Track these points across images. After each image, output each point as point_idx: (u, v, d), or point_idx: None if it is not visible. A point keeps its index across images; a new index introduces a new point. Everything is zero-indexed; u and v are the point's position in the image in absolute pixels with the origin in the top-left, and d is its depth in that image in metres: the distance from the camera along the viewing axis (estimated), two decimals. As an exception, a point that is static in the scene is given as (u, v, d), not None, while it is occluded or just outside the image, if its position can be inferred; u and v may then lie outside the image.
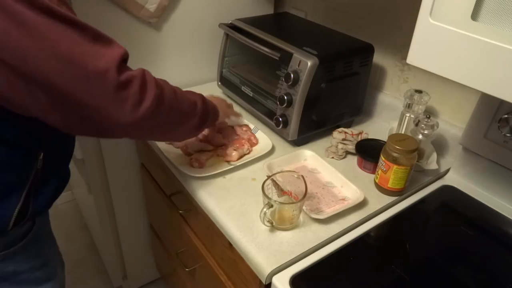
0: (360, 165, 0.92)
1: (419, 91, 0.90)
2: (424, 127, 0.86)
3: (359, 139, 0.97)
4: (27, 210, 0.67)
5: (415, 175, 0.89)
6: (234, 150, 0.90)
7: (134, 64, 1.18)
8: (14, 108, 0.57)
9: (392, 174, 0.79)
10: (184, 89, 0.76)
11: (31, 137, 0.64)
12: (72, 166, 1.11)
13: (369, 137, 0.98)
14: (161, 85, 0.64)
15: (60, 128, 0.60)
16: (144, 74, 0.60)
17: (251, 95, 1.06)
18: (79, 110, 0.56)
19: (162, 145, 0.94)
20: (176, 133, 0.75)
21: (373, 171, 0.88)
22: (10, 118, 0.59)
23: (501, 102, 0.78)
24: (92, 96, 0.54)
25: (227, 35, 1.11)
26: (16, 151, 0.63)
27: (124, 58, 0.58)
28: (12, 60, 0.50)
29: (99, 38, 0.55)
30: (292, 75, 0.87)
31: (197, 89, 0.83)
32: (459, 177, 0.89)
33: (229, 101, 1.04)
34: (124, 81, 0.56)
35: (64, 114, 0.57)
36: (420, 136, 0.87)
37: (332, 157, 0.94)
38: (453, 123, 0.97)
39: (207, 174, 0.85)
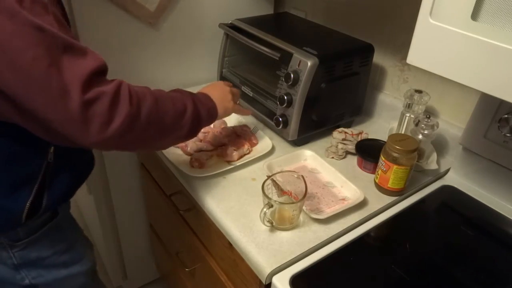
0: (360, 165, 0.92)
1: (419, 91, 0.90)
2: (424, 127, 0.86)
3: (359, 139, 0.97)
4: (41, 203, 0.67)
5: (415, 175, 0.89)
6: (234, 150, 0.90)
7: (133, 64, 1.17)
8: None
9: (392, 174, 0.79)
10: (184, 89, 0.74)
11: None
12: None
13: (369, 137, 0.98)
14: (137, 100, 0.58)
15: (39, 136, 0.59)
16: (117, 89, 0.56)
17: (251, 95, 1.06)
18: (47, 124, 0.54)
19: (162, 145, 0.93)
20: (159, 145, 0.70)
21: (373, 171, 0.88)
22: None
23: (501, 102, 0.78)
24: (56, 113, 0.51)
25: (227, 35, 1.11)
26: (23, 146, 0.63)
27: (98, 71, 0.54)
28: None
29: (70, 48, 0.52)
30: (292, 75, 0.87)
31: (197, 89, 0.82)
32: (459, 177, 0.89)
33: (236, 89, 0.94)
34: (90, 99, 0.52)
35: (34, 125, 0.57)
36: (420, 136, 0.87)
37: (332, 157, 0.94)
38: (453, 123, 0.97)
39: (207, 174, 0.85)
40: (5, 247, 0.69)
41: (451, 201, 0.86)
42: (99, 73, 0.55)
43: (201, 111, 0.72)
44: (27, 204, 0.65)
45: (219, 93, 0.82)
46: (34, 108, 0.52)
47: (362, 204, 0.80)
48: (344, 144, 0.95)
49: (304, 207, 0.76)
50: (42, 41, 0.49)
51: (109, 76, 0.59)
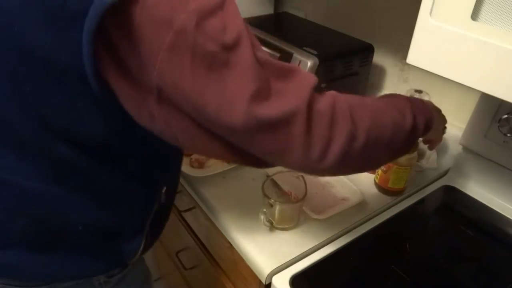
0: (360, 165, 0.92)
1: (419, 91, 0.90)
2: None
3: (359, 139, 0.97)
4: (147, 244, 0.66)
5: (415, 175, 0.89)
6: (234, 150, 0.90)
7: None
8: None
9: (392, 174, 0.79)
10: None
11: (154, 170, 0.62)
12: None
13: (369, 137, 0.98)
14: (353, 115, 0.51)
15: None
16: (334, 103, 0.50)
17: (251, 95, 1.05)
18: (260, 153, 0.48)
19: (162, 145, 0.93)
20: (375, 163, 0.61)
21: (373, 171, 0.88)
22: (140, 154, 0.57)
23: (501, 102, 0.78)
24: (294, 155, 0.46)
25: (227, 35, 1.11)
26: (144, 185, 0.61)
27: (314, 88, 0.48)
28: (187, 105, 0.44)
29: (282, 72, 0.47)
30: (292, 75, 0.87)
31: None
32: (459, 177, 0.89)
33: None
34: (312, 121, 0.46)
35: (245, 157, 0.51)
36: None
37: (332, 157, 0.94)
38: (453, 123, 0.97)
39: (207, 174, 0.85)
40: (100, 284, 0.65)
41: (451, 201, 0.86)
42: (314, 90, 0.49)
43: (419, 120, 0.59)
44: (141, 247, 0.64)
45: (435, 108, 0.72)
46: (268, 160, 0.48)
47: (362, 204, 0.80)
48: (344, 144, 0.95)
49: (304, 207, 0.76)
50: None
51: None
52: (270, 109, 0.43)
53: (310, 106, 0.46)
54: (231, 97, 0.42)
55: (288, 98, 0.45)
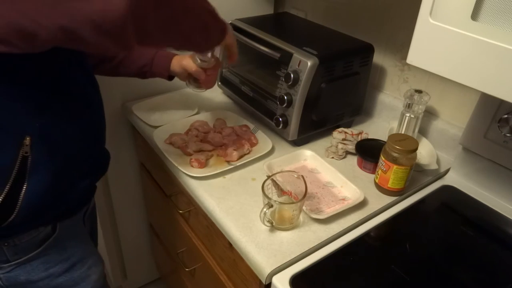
0: (360, 165, 0.92)
1: (419, 91, 0.90)
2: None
3: (359, 139, 0.97)
4: (15, 204, 0.59)
5: (415, 175, 0.89)
6: (234, 150, 0.90)
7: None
8: None
9: (392, 174, 0.79)
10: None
11: (12, 117, 0.56)
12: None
13: (369, 137, 0.98)
14: None
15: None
16: None
17: (251, 95, 1.06)
18: None
19: (162, 145, 0.94)
20: (174, 30, 0.57)
21: (373, 171, 0.88)
22: None
23: (501, 102, 0.78)
24: None
25: (227, 35, 1.11)
26: None
27: None
28: None
29: None
30: (292, 75, 0.87)
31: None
32: (459, 177, 0.89)
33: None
34: None
35: None
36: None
37: (332, 157, 0.94)
38: (453, 123, 0.97)
39: (207, 174, 0.85)
40: None
41: (451, 201, 0.86)
42: None
43: (215, 12, 0.65)
44: None
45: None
46: None
47: (362, 204, 0.80)
48: (344, 144, 0.95)
49: (304, 207, 0.76)
50: None
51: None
52: None
53: None
54: None
55: None
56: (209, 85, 0.93)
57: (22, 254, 0.65)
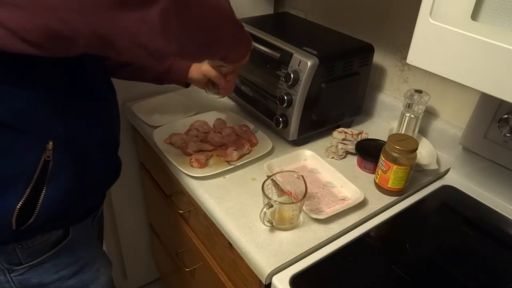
0: (360, 165, 0.92)
1: (419, 91, 0.90)
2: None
3: (359, 139, 0.97)
4: (35, 208, 0.59)
5: (415, 175, 0.89)
6: (234, 150, 0.90)
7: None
8: None
9: (392, 174, 0.79)
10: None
11: (35, 120, 0.56)
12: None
13: (369, 137, 0.98)
14: None
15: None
16: None
17: (251, 95, 1.06)
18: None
19: (162, 145, 0.94)
20: (211, 37, 0.59)
21: (373, 171, 0.88)
22: (13, 95, 0.52)
23: (501, 102, 0.78)
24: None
25: (227, 35, 1.11)
26: (12, 136, 0.55)
27: None
28: None
29: None
30: (292, 75, 0.87)
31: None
32: (459, 177, 0.89)
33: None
34: None
35: None
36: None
37: (332, 157, 0.94)
38: (453, 123, 0.97)
39: (207, 174, 0.85)
40: (3, 271, 0.64)
41: (451, 201, 0.86)
42: None
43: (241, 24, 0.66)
44: (18, 206, 0.57)
45: None
46: None
47: (362, 204, 0.80)
48: (344, 144, 0.95)
49: (304, 207, 0.76)
50: None
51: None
52: None
53: None
54: None
55: None
56: (228, 91, 0.91)
57: (35, 256, 0.65)
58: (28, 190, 0.58)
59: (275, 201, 0.70)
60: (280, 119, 0.93)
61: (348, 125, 1.06)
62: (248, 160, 0.90)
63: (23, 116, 0.55)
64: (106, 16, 0.44)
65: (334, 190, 0.84)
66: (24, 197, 0.58)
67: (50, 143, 0.58)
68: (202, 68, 0.90)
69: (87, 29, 0.44)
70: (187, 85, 0.97)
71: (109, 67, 0.78)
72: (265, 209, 0.70)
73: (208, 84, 0.91)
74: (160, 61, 0.53)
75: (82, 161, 0.64)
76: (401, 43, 1.02)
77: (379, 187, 0.84)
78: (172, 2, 0.47)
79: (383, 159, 0.80)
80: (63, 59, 0.55)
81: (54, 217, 0.63)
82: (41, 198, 0.59)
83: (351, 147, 0.94)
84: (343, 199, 0.81)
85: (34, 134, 0.56)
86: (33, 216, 0.60)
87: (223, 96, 0.95)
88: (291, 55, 0.89)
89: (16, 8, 0.41)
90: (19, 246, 0.63)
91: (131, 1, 0.44)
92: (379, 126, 1.09)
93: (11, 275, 0.64)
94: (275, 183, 0.76)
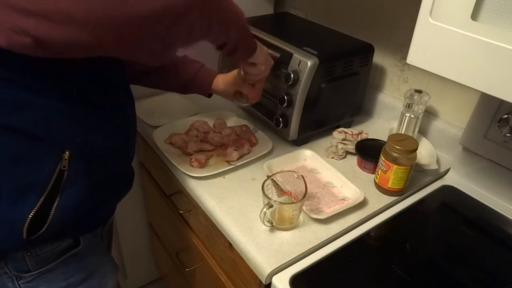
0: (360, 165, 0.92)
1: (419, 91, 0.90)
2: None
3: (359, 139, 0.97)
4: (47, 217, 0.59)
5: (415, 175, 0.89)
6: (234, 150, 0.90)
7: (134, 64, 1.13)
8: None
9: (392, 174, 0.79)
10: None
11: (53, 129, 0.55)
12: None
13: (369, 137, 0.98)
14: None
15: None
16: None
17: (251, 95, 1.06)
18: None
19: (162, 145, 0.94)
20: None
21: (373, 171, 0.88)
22: (32, 103, 0.52)
23: (501, 102, 0.78)
24: None
25: (227, 35, 1.11)
26: (29, 144, 0.54)
27: None
28: None
29: None
30: (292, 75, 0.87)
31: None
32: (459, 177, 0.89)
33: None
34: None
35: None
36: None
37: (332, 157, 0.94)
38: (453, 123, 0.97)
39: (207, 174, 0.85)
40: (11, 278, 0.63)
41: (451, 201, 0.86)
42: None
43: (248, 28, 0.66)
44: (30, 215, 0.57)
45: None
46: None
47: (362, 204, 0.80)
48: (344, 144, 0.95)
49: (304, 207, 0.76)
50: None
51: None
52: None
53: None
54: None
55: None
56: (257, 99, 0.89)
57: (43, 264, 0.64)
58: (41, 199, 0.57)
59: (275, 201, 0.70)
60: (280, 119, 0.93)
61: (348, 125, 1.06)
62: (248, 160, 0.90)
63: (42, 125, 0.54)
64: (138, 26, 0.44)
65: (334, 190, 0.84)
66: (37, 206, 0.57)
67: (67, 152, 0.57)
68: (229, 81, 0.89)
69: (114, 41, 0.44)
70: (209, 95, 0.96)
71: (133, 74, 0.77)
72: (265, 209, 0.70)
73: (237, 95, 0.92)
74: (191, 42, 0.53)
75: (97, 172, 0.63)
76: (401, 43, 1.02)
77: (379, 187, 0.84)
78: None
79: (383, 159, 0.80)
80: (85, 69, 0.55)
81: (65, 227, 0.63)
82: (53, 208, 0.59)
83: (351, 147, 0.94)
84: (343, 199, 0.81)
85: (52, 143, 0.56)
86: (45, 226, 0.59)
87: (252, 104, 0.95)
88: (291, 55, 0.89)
89: (45, 18, 0.41)
90: (28, 254, 0.63)
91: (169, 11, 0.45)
92: (379, 126, 1.09)
93: (19, 282, 0.64)
94: (275, 183, 0.76)
